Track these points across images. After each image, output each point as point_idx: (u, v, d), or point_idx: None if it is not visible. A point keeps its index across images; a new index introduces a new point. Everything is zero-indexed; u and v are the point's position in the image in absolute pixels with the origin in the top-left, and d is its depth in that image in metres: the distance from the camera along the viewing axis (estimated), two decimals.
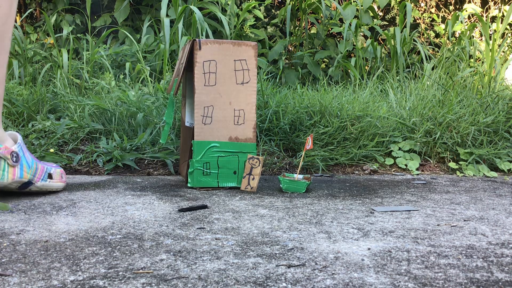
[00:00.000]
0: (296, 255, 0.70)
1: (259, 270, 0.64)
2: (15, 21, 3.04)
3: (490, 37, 2.39)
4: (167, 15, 2.62)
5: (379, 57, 2.58)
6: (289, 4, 2.82)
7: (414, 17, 3.37)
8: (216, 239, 0.76)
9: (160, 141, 1.23)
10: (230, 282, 0.59)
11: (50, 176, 1.06)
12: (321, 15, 2.92)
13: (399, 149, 1.56)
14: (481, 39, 2.91)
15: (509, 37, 2.80)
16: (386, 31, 2.65)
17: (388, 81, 2.26)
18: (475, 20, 3.21)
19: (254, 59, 1.16)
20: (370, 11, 2.95)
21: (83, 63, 2.18)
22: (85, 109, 1.59)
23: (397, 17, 3.38)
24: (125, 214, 0.90)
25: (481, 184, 1.33)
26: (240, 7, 3.04)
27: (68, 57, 2.16)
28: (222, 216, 0.90)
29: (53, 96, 1.84)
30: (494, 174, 1.48)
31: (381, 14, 3.60)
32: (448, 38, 2.88)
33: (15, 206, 0.95)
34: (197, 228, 0.82)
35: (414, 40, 2.78)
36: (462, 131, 1.59)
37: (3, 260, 0.65)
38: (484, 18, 2.92)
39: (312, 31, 3.14)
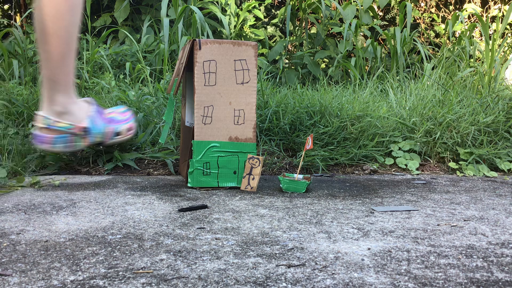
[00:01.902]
0: (296, 255, 0.70)
1: (259, 270, 0.64)
2: (15, 21, 3.03)
3: (490, 37, 2.39)
4: (167, 15, 2.62)
5: (379, 57, 2.58)
6: (289, 4, 2.82)
7: (414, 17, 3.37)
8: (216, 239, 0.76)
9: (160, 141, 1.24)
10: (230, 282, 0.59)
11: (118, 134, 1.25)
12: (321, 15, 2.92)
13: (399, 149, 1.56)
14: (481, 39, 2.91)
15: (509, 37, 2.80)
16: (386, 31, 2.65)
17: (388, 81, 2.26)
18: (475, 20, 3.21)
19: (254, 59, 1.16)
20: (370, 11, 2.95)
21: (83, 63, 2.18)
22: None
23: (397, 17, 3.38)
24: (125, 214, 0.90)
25: (481, 184, 1.33)
26: (240, 7, 3.04)
27: None
28: (222, 216, 0.90)
29: None
30: (494, 174, 1.48)
31: (381, 14, 3.60)
32: (448, 38, 2.88)
33: (15, 206, 0.95)
34: (197, 228, 0.82)
35: (414, 40, 2.78)
36: (462, 131, 1.59)
37: (3, 260, 0.65)
38: (484, 18, 2.92)
39: (312, 31, 3.14)
